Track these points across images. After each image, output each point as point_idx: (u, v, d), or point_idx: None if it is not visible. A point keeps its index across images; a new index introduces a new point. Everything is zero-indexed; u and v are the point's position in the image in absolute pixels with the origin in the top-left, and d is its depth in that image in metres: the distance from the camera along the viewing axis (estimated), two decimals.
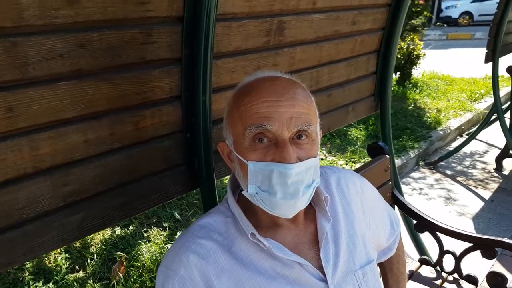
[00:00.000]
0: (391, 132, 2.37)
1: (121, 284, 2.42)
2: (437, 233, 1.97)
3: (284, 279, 0.93)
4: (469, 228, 3.25)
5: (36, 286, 2.39)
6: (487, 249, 1.81)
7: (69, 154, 1.13)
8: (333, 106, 1.98)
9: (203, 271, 0.90)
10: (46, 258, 2.60)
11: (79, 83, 1.09)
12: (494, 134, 4.86)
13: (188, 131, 1.37)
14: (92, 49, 1.08)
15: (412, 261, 2.05)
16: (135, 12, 1.14)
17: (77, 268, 2.57)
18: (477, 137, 4.61)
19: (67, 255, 2.64)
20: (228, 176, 1.12)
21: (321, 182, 1.09)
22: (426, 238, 2.33)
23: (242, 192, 0.94)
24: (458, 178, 4.13)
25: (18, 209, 1.06)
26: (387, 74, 2.24)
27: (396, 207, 2.12)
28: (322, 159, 4.27)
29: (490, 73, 4.22)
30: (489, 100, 6.06)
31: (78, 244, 2.75)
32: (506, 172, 4.20)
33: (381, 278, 1.42)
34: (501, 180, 4.05)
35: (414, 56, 6.45)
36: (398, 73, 6.70)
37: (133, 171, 1.26)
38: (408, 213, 2.08)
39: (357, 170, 1.89)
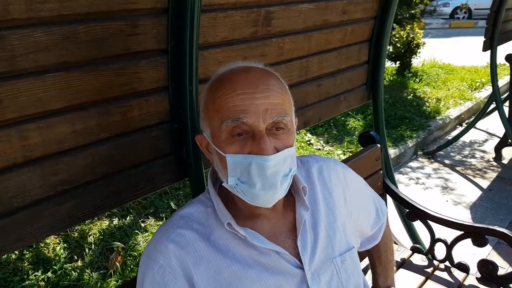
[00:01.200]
0: (384, 121, 2.39)
1: (118, 274, 2.47)
2: (429, 221, 1.99)
3: (261, 267, 0.96)
4: (466, 218, 3.27)
5: (35, 275, 2.44)
6: (478, 237, 1.84)
7: (58, 144, 1.15)
8: (324, 96, 1.99)
9: (182, 260, 0.93)
10: (45, 248, 2.65)
11: (66, 74, 1.12)
12: (494, 123, 4.85)
13: (175, 121, 1.39)
14: (78, 42, 1.10)
15: (404, 250, 2.08)
16: (120, 4, 1.15)
17: (75, 257, 2.61)
18: (477, 126, 4.61)
19: (65, 245, 2.68)
20: None
21: (302, 171, 1.11)
22: (420, 226, 2.35)
23: (223, 184, 0.96)
24: (457, 168, 4.14)
25: (8, 198, 1.09)
26: (379, 63, 2.25)
27: (388, 196, 2.14)
28: (319, 149, 4.29)
29: None
30: (490, 89, 6.01)
31: (76, 234, 2.79)
32: (505, 161, 4.21)
33: (370, 265, 1.45)
34: (499, 169, 4.05)
35: (414, 45, 6.42)
36: (397, 62, 6.67)
37: (122, 160, 1.29)
38: (399, 201, 2.10)
39: (347, 160, 1.90)
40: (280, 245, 0.97)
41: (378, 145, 2.02)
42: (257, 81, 0.91)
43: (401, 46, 6.37)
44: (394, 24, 6.04)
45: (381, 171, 2.08)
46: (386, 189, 2.12)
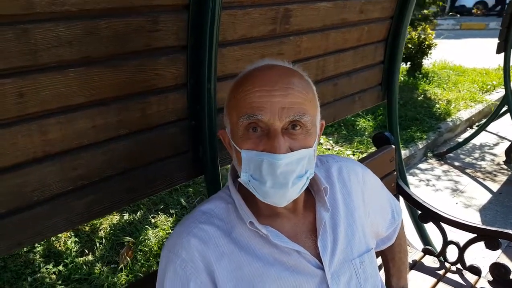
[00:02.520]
0: (398, 122, 2.37)
1: (128, 268, 2.48)
2: (441, 223, 1.98)
3: (282, 266, 0.95)
4: (475, 220, 3.24)
5: (46, 268, 2.46)
6: (491, 240, 1.82)
7: (78, 139, 1.16)
8: (339, 95, 1.98)
9: (204, 255, 0.93)
10: (56, 242, 2.66)
11: (87, 70, 1.12)
12: (504, 126, 4.81)
13: (193, 119, 1.39)
14: (100, 37, 1.11)
15: (415, 251, 2.07)
16: (141, 0, 1.15)
17: (86, 251, 2.63)
18: (487, 129, 4.57)
19: (76, 239, 2.70)
20: None
21: (322, 171, 1.11)
22: (430, 229, 2.34)
23: (239, 179, 0.96)
24: (467, 170, 4.11)
25: (28, 192, 1.10)
26: (395, 63, 2.23)
27: (400, 197, 2.13)
28: (328, 149, 4.27)
29: (503, 64, 4.17)
30: (501, 92, 5.96)
31: (87, 228, 2.81)
32: None
33: (383, 267, 1.44)
34: (510, 173, 4.02)
35: (425, 46, 6.37)
36: (408, 63, 6.63)
37: (140, 157, 1.29)
38: (412, 203, 2.09)
39: (362, 160, 1.89)
40: (301, 245, 0.97)
41: (393, 146, 2.01)
42: (276, 79, 0.91)
43: (412, 47, 6.32)
44: None
45: (395, 172, 2.06)
46: (399, 190, 2.11)
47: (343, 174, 1.13)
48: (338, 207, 1.07)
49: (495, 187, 3.77)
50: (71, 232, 2.75)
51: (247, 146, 0.90)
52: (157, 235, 2.75)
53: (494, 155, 4.41)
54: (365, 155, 4.06)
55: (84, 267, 2.49)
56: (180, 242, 0.95)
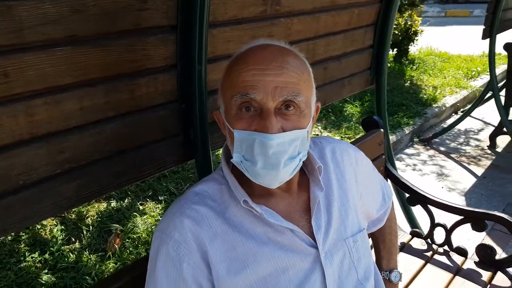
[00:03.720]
0: (386, 106, 2.38)
1: (116, 256, 2.46)
2: (429, 206, 2.00)
3: (275, 245, 0.95)
4: (461, 203, 3.29)
5: (32, 257, 2.42)
6: (477, 221, 1.85)
7: (65, 121, 1.13)
8: (329, 79, 1.98)
9: (197, 235, 0.92)
10: (41, 230, 2.62)
11: (74, 49, 1.08)
12: (489, 112, 4.88)
13: (183, 101, 1.36)
14: (87, 15, 1.07)
15: (404, 234, 2.09)
16: None
17: (73, 239, 2.60)
18: (472, 114, 4.63)
19: (62, 226, 2.66)
20: None
21: (315, 152, 1.10)
22: (417, 211, 2.37)
23: (231, 160, 0.95)
24: (452, 155, 4.17)
25: (15, 175, 1.07)
26: (384, 48, 2.23)
27: (389, 180, 2.15)
28: (317, 134, 4.28)
29: (487, 51, 4.20)
30: (485, 78, 6.06)
31: (73, 216, 2.77)
32: (499, 149, 4.24)
33: (373, 249, 1.45)
34: (494, 157, 4.09)
35: (412, 32, 6.40)
36: (395, 49, 6.65)
37: (129, 139, 1.27)
38: (400, 186, 2.10)
39: (352, 144, 1.90)
40: (295, 224, 0.97)
41: (381, 130, 2.02)
42: (271, 57, 0.89)
43: (399, 33, 6.34)
44: None
45: (383, 156, 2.08)
46: (387, 174, 2.12)
47: (336, 155, 1.12)
48: (332, 186, 1.07)
49: (479, 171, 3.83)
50: (56, 220, 2.71)
51: (240, 126, 0.89)
52: (145, 222, 2.72)
53: (479, 140, 4.48)
54: (353, 140, 4.08)
55: (71, 255, 2.46)
56: (173, 223, 0.94)
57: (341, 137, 4.23)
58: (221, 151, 1.09)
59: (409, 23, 6.37)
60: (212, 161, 1.49)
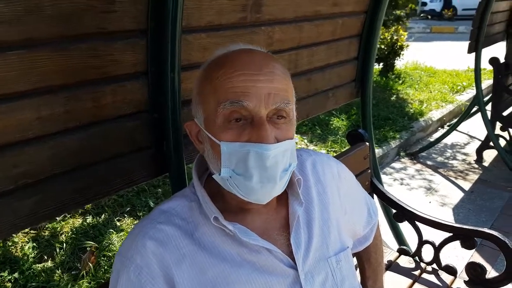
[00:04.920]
0: (371, 119, 2.32)
1: (91, 275, 2.33)
2: (417, 222, 1.93)
3: (250, 266, 0.87)
4: (449, 219, 3.24)
5: (1, 275, 2.28)
6: (467, 239, 1.78)
7: (21, 132, 1.02)
8: (313, 91, 1.91)
9: (161, 259, 0.83)
10: (12, 247, 2.48)
11: (31, 53, 0.99)
12: (475, 126, 4.88)
13: (155, 111, 1.27)
14: (43, 16, 0.98)
15: (390, 251, 2.01)
16: None
17: (45, 257, 2.46)
18: (458, 128, 4.62)
19: (34, 244, 2.53)
20: None
21: None
22: (405, 228, 2.30)
23: (213, 176, 0.86)
24: (439, 169, 4.13)
25: None
26: (369, 59, 2.18)
27: (375, 196, 2.08)
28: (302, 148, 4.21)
29: (472, 66, 4.23)
30: (471, 92, 6.09)
31: (47, 232, 2.63)
32: (486, 164, 4.22)
33: (358, 268, 1.38)
34: (481, 172, 4.06)
35: (398, 47, 6.44)
36: (381, 63, 6.68)
37: (94, 153, 1.16)
38: (387, 202, 2.03)
39: (336, 157, 1.83)
40: (272, 243, 0.89)
41: (367, 143, 1.95)
42: (260, 63, 0.82)
43: (385, 48, 6.38)
44: None
45: (369, 170, 2.01)
46: (373, 189, 2.05)
47: (317, 168, 1.05)
48: (313, 201, 0.99)
49: (467, 186, 3.79)
50: (28, 237, 2.57)
51: (228, 137, 0.81)
52: (122, 239, 2.60)
53: (466, 154, 4.46)
54: (338, 154, 4.02)
55: (43, 274, 2.32)
56: (134, 246, 0.84)
57: (327, 150, 4.17)
58: None
59: (395, 37, 6.41)
60: (189, 174, 1.39)
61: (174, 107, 1.26)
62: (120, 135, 1.21)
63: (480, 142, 4.32)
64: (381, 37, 6.37)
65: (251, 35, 1.51)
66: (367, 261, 1.33)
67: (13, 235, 2.49)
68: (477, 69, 4.02)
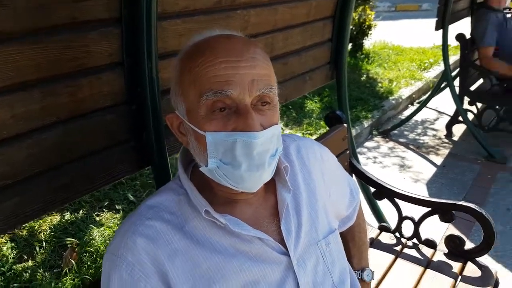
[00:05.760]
0: (347, 101, 2.34)
1: (74, 271, 2.28)
2: (396, 199, 1.98)
3: (244, 256, 0.87)
4: (423, 194, 3.33)
5: None
6: (445, 213, 1.84)
7: None
8: (289, 75, 1.90)
9: (154, 255, 0.82)
10: None
11: (1, 47, 0.94)
12: (443, 102, 5.00)
13: (134, 103, 1.24)
14: (13, 8, 0.93)
15: (371, 229, 2.05)
16: None
17: (25, 257, 2.39)
18: (428, 105, 4.73)
19: (13, 244, 2.44)
20: None
21: None
22: (383, 205, 2.35)
23: (200, 168, 0.84)
24: (411, 146, 4.23)
25: None
26: (343, 41, 2.18)
27: (353, 175, 2.11)
28: None
29: (437, 43, 4.30)
30: (438, 69, 6.22)
31: (24, 231, 2.55)
32: (455, 138, 4.34)
33: (344, 248, 1.40)
34: (451, 146, 4.18)
35: (366, 26, 6.48)
36: (350, 44, 6.71)
37: (72, 149, 1.13)
38: (366, 181, 2.07)
39: (316, 140, 1.84)
40: (263, 231, 0.89)
41: (345, 124, 1.97)
42: (241, 48, 0.80)
43: (354, 28, 6.41)
44: None
45: (348, 151, 2.03)
46: (352, 169, 2.08)
47: (301, 153, 1.05)
48: (300, 187, 1.00)
49: (438, 160, 3.90)
50: (6, 238, 2.49)
51: (213, 127, 0.79)
52: (103, 234, 2.55)
53: (436, 130, 4.57)
54: (314, 136, 4.06)
55: (24, 274, 2.25)
56: (124, 244, 0.83)
57: (303, 133, 4.20)
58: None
59: (363, 17, 6.44)
60: (172, 165, 1.37)
61: (153, 97, 1.23)
62: (99, 129, 1.17)
63: (449, 118, 4.43)
64: None
65: (227, 19, 1.48)
66: (351, 240, 1.35)
67: None
68: (445, 46, 4.10)
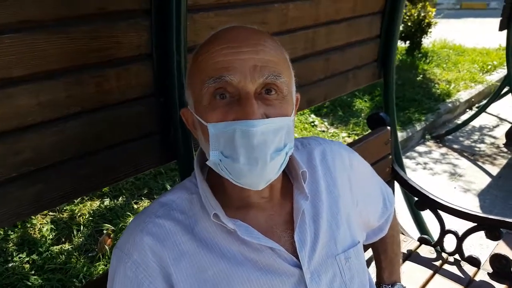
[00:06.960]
0: (394, 102, 2.21)
1: (107, 257, 2.34)
2: (439, 211, 1.85)
3: (252, 265, 0.81)
4: (474, 205, 3.13)
5: (19, 257, 2.32)
6: (492, 229, 1.70)
7: (19, 118, 0.99)
8: (331, 72, 1.81)
9: (160, 255, 0.79)
10: (31, 229, 2.52)
11: (27, 36, 0.94)
12: (505, 108, 4.67)
13: (162, 95, 1.22)
14: None
15: (411, 240, 1.94)
16: None
17: (63, 239, 2.49)
18: (488, 110, 4.43)
19: (52, 225, 2.55)
20: None
21: (303, 154, 0.96)
22: (427, 216, 2.21)
23: (207, 162, 0.80)
24: (465, 153, 3.98)
25: None
26: (392, 38, 2.05)
27: (396, 183, 2.00)
28: (323, 131, 4.12)
29: (503, 44, 4.00)
30: (502, 72, 5.82)
31: (65, 214, 2.66)
32: None
33: (374, 260, 1.32)
34: (510, 156, 3.90)
35: (425, 24, 6.16)
36: (407, 42, 6.43)
37: (98, 139, 1.12)
38: (408, 189, 1.95)
39: (355, 143, 1.76)
40: (276, 240, 0.83)
41: (388, 127, 1.86)
42: (246, 35, 0.76)
43: (412, 25, 6.12)
44: (406, 1, 5.80)
45: (390, 156, 1.92)
46: (395, 175, 1.96)
47: (327, 158, 0.98)
48: (321, 194, 0.93)
49: (494, 171, 3.64)
50: (47, 219, 2.60)
51: (215, 117, 0.75)
52: None
53: (494, 137, 4.28)
54: (357, 139, 3.91)
55: (60, 256, 2.35)
56: (132, 241, 0.81)
57: (349, 133, 4.07)
58: None
59: (422, 14, 6.13)
60: None
61: (180, 90, 1.21)
62: (125, 121, 1.17)
63: (510, 125, 4.13)
64: (408, 14, 6.10)
65: (263, 13, 1.42)
66: (383, 252, 1.27)
67: (32, 217, 2.52)
68: (509, 47, 3.82)
